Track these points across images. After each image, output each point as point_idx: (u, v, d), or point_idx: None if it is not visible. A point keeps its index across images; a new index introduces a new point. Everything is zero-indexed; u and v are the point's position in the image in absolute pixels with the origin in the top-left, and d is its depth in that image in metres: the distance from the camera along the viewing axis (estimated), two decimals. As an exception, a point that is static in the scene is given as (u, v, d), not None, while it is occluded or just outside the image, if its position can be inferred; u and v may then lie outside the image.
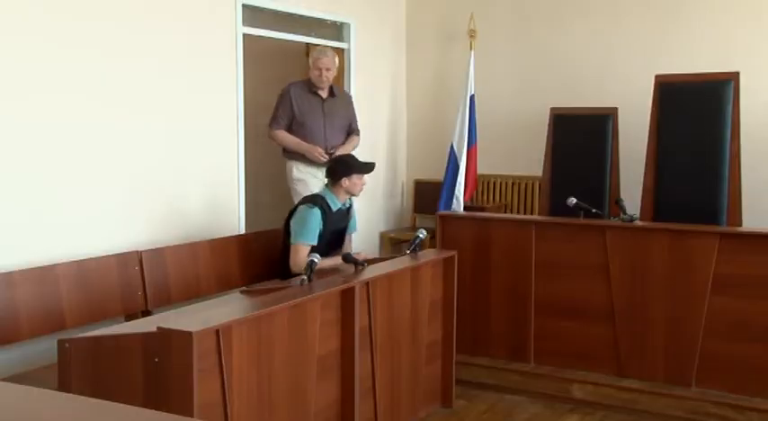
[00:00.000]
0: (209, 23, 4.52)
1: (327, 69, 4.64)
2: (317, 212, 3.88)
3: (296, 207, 4.03)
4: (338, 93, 4.88)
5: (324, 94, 4.73)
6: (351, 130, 4.92)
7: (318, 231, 3.87)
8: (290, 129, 4.66)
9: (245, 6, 4.76)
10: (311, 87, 4.71)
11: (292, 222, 3.95)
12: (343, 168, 4.00)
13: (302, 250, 3.83)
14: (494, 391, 4.09)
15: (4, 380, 2.74)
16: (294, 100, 4.67)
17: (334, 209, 3.97)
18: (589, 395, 3.94)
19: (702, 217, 4.37)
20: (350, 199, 4.11)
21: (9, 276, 3.25)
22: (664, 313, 3.85)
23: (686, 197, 4.66)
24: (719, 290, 3.71)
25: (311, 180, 4.67)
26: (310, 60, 4.75)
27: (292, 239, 3.91)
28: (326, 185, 4.05)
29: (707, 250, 3.73)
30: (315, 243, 3.86)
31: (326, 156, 4.59)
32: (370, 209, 5.89)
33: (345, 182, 3.96)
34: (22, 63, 3.54)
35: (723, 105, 4.67)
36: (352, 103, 5.00)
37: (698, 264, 3.75)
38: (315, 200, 3.96)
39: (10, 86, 3.50)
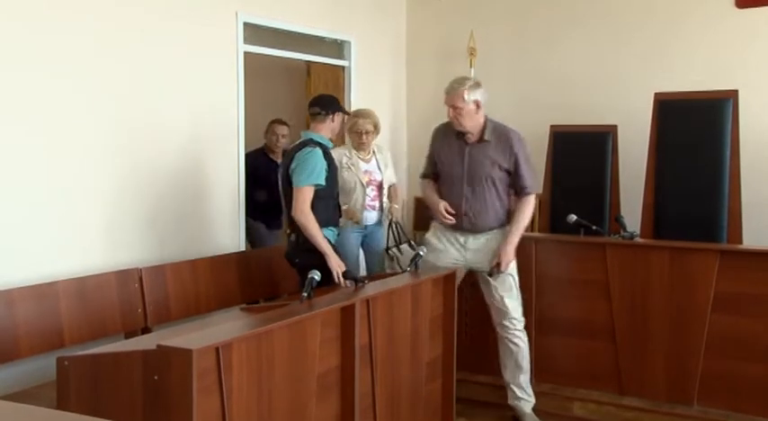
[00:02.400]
0: (210, 41, 4.55)
1: (453, 107, 3.76)
2: (318, 152, 3.64)
3: (290, 158, 3.69)
4: (493, 136, 3.79)
5: (471, 137, 3.81)
6: (518, 189, 3.83)
7: (325, 172, 3.64)
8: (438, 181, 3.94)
9: (246, 24, 4.79)
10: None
11: (294, 170, 3.63)
12: (336, 103, 3.84)
13: (307, 193, 3.57)
14: (495, 409, 4.06)
15: (2, 398, 2.73)
16: (435, 142, 3.95)
17: (330, 148, 3.77)
18: (590, 413, 3.92)
19: (703, 234, 4.38)
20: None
21: (8, 293, 3.25)
22: (665, 331, 3.84)
23: (686, 214, 4.67)
24: (720, 307, 3.70)
25: (443, 251, 3.87)
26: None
27: (295, 184, 3.60)
28: (311, 127, 3.80)
29: (707, 268, 3.73)
30: (323, 183, 3.63)
31: (450, 218, 3.77)
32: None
33: (336, 118, 3.81)
34: (32, 79, 3.56)
35: (722, 122, 4.69)
36: (513, 149, 3.77)
37: (698, 281, 3.75)
38: (309, 143, 3.66)
39: (12, 103, 3.52)
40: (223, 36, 4.64)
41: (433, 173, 3.95)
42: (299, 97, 6.15)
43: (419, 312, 3.66)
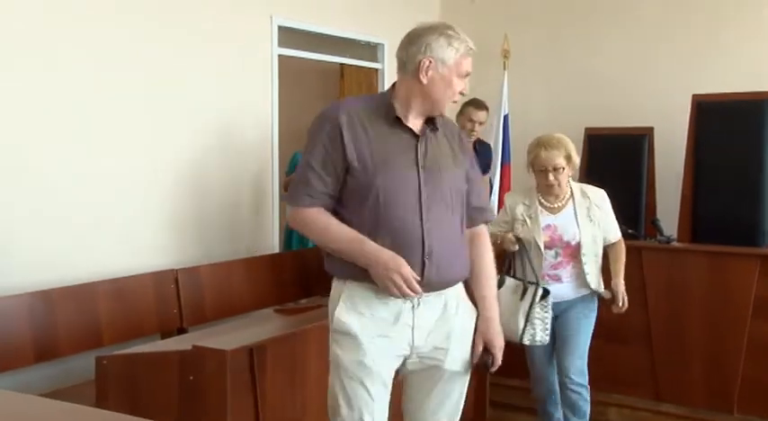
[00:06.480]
0: (245, 44, 4.59)
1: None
2: None
3: None
4: (442, 121, 2.31)
5: (416, 122, 2.25)
6: (471, 213, 2.29)
7: None
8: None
9: (280, 28, 4.83)
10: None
11: None
12: None
13: None
14: (527, 414, 4.02)
15: (43, 395, 2.78)
16: (346, 133, 2.15)
17: None
18: (626, 419, 3.86)
19: (742, 238, 4.29)
20: None
21: (48, 294, 3.31)
22: (703, 337, 3.77)
23: (725, 218, 4.58)
24: (761, 313, 3.63)
25: (369, 342, 2.24)
26: None
27: None
28: None
29: (747, 273, 3.65)
30: None
31: (416, 290, 2.08)
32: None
33: None
34: (64, 80, 3.62)
35: (762, 124, 4.60)
36: (463, 143, 2.38)
37: (738, 287, 3.67)
38: None
39: (50, 104, 3.59)
40: (258, 39, 4.68)
41: (330, 193, 2.14)
42: (332, 100, 6.16)
43: (452, 315, 3.64)
